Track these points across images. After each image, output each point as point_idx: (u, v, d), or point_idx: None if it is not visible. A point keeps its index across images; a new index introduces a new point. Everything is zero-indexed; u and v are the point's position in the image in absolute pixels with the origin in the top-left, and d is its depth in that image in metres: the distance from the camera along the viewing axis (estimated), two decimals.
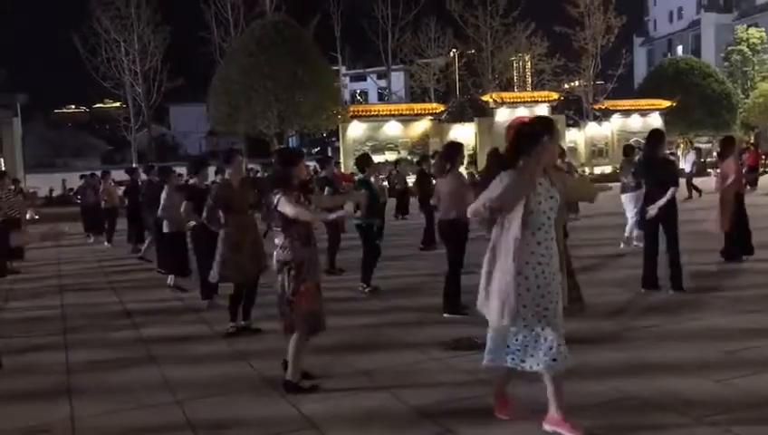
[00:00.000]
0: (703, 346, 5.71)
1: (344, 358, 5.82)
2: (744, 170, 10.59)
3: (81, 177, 19.93)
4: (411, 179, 18.36)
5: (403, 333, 6.66)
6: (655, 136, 8.33)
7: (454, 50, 41.19)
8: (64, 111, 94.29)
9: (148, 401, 5.04)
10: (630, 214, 11.20)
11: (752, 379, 4.85)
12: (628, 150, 12.51)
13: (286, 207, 4.99)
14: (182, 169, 10.98)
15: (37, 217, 26.34)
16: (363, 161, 9.67)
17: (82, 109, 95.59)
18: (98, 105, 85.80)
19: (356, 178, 9.38)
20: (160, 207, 9.62)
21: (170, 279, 9.77)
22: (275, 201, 5.04)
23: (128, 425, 4.63)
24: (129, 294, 9.68)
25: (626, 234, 11.38)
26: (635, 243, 10.89)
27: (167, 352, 6.43)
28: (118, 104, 49.03)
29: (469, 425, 4.26)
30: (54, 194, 35.52)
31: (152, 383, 5.48)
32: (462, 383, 5.05)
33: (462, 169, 7.79)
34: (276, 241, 5.13)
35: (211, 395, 5.10)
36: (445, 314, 7.21)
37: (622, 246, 11.22)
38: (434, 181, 8.95)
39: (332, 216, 5.73)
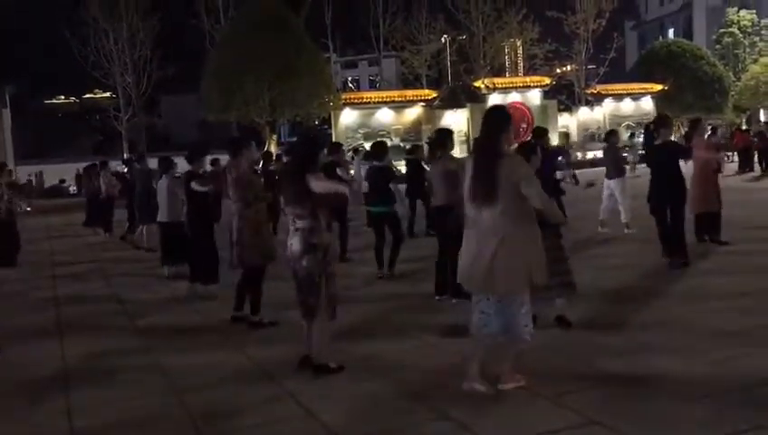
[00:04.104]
0: (700, 329, 5.75)
1: (340, 344, 5.81)
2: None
3: (86, 169, 19.89)
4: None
5: (400, 320, 6.69)
6: (661, 123, 8.67)
7: (445, 36, 41.03)
8: (54, 101, 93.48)
9: (145, 390, 5.04)
10: (621, 198, 11.29)
11: (745, 360, 4.88)
12: (608, 136, 12.55)
13: (319, 185, 5.05)
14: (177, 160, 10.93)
15: (29, 208, 26.20)
16: (380, 148, 9.60)
17: (72, 99, 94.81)
18: (88, 95, 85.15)
19: (374, 163, 9.49)
20: (163, 198, 9.59)
21: (167, 270, 9.78)
22: (307, 182, 5.02)
23: (126, 413, 4.63)
24: (125, 283, 9.68)
25: (623, 219, 11.32)
26: (604, 229, 11.31)
27: (162, 341, 6.42)
28: (108, 94, 48.74)
29: (466, 410, 4.28)
30: (45, 186, 35.35)
31: (148, 372, 5.48)
32: (459, 369, 5.07)
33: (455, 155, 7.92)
34: (300, 225, 5.09)
35: (207, 385, 5.11)
36: (437, 298, 7.31)
37: (626, 231, 11.14)
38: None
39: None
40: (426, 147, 12.60)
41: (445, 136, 7.62)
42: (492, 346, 4.52)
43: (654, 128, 8.75)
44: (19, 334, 7.02)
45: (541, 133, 9.53)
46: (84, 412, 4.71)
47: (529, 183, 4.25)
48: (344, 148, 13.07)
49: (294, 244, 5.13)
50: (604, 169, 11.83)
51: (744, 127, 32.29)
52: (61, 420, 4.61)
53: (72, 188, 35.06)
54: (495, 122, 4.39)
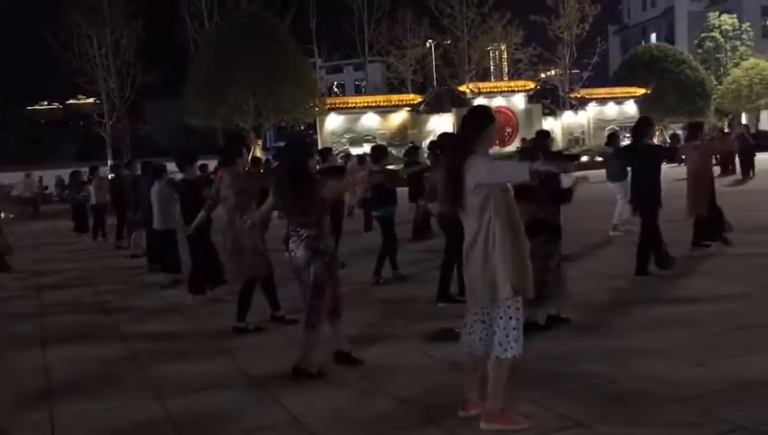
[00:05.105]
0: (685, 332, 5.79)
1: (331, 348, 5.80)
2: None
3: (71, 175, 19.78)
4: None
5: (390, 325, 6.68)
6: (641, 124, 8.48)
7: (430, 40, 41.22)
8: (37, 107, 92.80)
9: (129, 398, 5.00)
10: (620, 201, 11.21)
11: (730, 362, 4.93)
12: (611, 139, 12.46)
13: (331, 189, 5.29)
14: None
15: (12, 215, 26.02)
16: (379, 151, 9.59)
17: (56, 105, 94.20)
18: (71, 101, 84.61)
19: (371, 168, 9.41)
20: (156, 204, 9.44)
21: (162, 278, 9.62)
22: (317, 192, 5.13)
23: (109, 423, 4.59)
24: (111, 291, 9.57)
25: (614, 220, 11.36)
26: (628, 226, 10.94)
27: (147, 349, 6.37)
28: (92, 100, 48.43)
29: (454, 415, 4.27)
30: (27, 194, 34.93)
31: (134, 380, 5.44)
32: (445, 374, 5.08)
33: None
34: (305, 233, 5.13)
35: (193, 391, 5.08)
36: (439, 304, 7.20)
37: (611, 232, 11.19)
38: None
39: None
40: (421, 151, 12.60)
41: (447, 140, 7.49)
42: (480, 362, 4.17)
43: (632, 132, 8.54)
44: (1, 344, 6.95)
45: (542, 136, 9.36)
46: (68, 422, 4.66)
47: (487, 172, 3.83)
48: (334, 152, 13.05)
49: (299, 251, 5.16)
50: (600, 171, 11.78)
51: (726, 130, 32.60)
52: (44, 430, 4.57)
53: (55, 197, 34.80)
54: (473, 122, 4.10)
